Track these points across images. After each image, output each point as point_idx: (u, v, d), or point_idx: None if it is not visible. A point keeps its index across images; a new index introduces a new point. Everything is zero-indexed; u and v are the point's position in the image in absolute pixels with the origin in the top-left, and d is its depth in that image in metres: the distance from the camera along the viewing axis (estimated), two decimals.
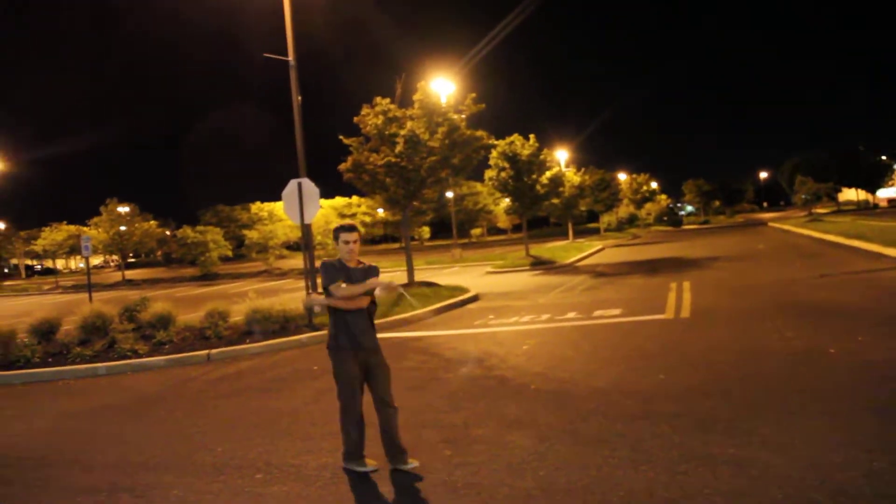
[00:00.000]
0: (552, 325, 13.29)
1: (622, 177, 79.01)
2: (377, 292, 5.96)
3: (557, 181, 37.09)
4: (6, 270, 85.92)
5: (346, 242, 5.90)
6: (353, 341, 5.78)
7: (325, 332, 14.02)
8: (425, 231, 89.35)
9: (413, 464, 5.72)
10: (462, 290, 20.18)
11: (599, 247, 44.31)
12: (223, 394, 9.69)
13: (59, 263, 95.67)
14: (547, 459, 5.71)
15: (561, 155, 50.92)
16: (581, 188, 52.25)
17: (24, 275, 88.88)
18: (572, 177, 49.22)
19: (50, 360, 13.03)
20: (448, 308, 17.26)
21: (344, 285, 5.76)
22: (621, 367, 9.10)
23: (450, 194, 57.15)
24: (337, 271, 5.86)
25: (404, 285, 20.94)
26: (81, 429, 8.47)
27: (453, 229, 59.91)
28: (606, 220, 74.90)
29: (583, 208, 60.75)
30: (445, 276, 28.91)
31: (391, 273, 33.79)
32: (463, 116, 21.46)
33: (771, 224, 58.66)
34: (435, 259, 44.28)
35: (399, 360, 10.82)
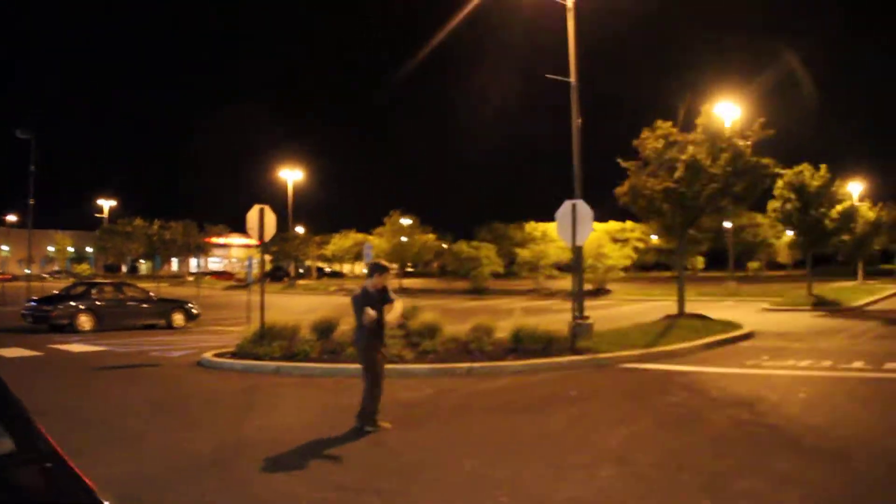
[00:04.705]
0: (834, 373, 12.01)
1: None
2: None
3: (849, 216, 34.07)
4: (301, 271, 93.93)
5: (383, 277, 8.92)
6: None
7: (588, 356, 13.74)
8: (699, 261, 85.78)
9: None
10: (735, 325, 18.97)
11: (894, 290, 39.91)
12: (478, 409, 9.72)
13: (346, 268, 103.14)
14: None
15: (854, 187, 46.70)
16: (876, 225, 47.59)
17: (314, 276, 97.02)
18: (866, 212, 44.93)
19: (325, 356, 13.89)
20: (718, 343, 16.26)
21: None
22: None
23: (728, 224, 54.36)
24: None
25: (673, 316, 20.12)
26: (343, 426, 8.83)
27: (730, 261, 56.79)
28: None
29: (877, 247, 55.35)
30: (718, 309, 27.38)
31: (660, 302, 32.74)
32: (748, 143, 20.17)
33: None
34: (708, 291, 42.23)
35: (661, 395, 10.31)
